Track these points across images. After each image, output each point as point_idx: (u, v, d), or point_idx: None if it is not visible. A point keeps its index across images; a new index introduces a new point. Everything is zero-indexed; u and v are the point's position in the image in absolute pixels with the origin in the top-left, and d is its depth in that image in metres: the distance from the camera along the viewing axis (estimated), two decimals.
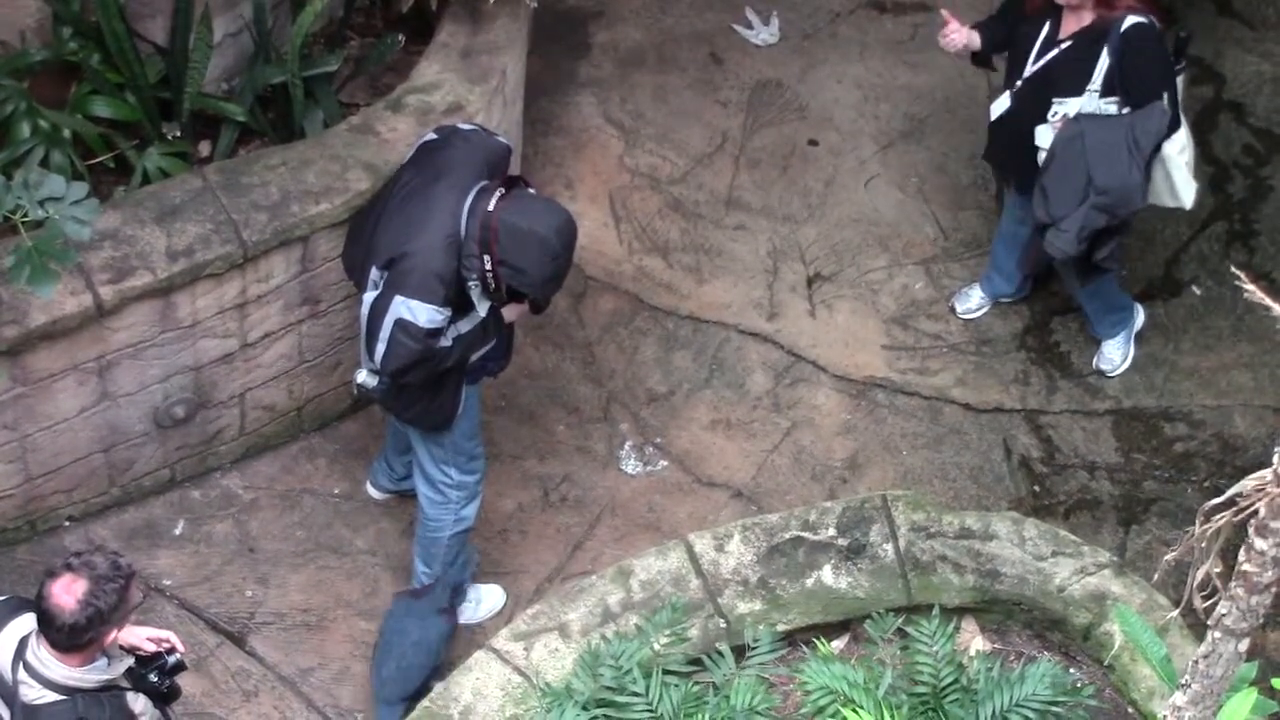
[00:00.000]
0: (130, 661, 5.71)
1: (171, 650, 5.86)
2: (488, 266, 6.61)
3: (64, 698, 5.47)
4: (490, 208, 6.60)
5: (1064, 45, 7.73)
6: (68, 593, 5.37)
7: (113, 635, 5.49)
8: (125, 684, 5.67)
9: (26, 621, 5.58)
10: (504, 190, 6.67)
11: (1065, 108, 7.71)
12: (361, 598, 7.63)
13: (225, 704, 7.27)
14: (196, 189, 7.30)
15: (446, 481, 7.19)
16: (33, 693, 5.48)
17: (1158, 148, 7.68)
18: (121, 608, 5.47)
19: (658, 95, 9.37)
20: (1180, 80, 7.83)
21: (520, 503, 7.97)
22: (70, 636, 5.39)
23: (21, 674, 5.49)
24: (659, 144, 9.17)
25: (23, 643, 5.53)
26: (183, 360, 7.37)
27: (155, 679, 5.79)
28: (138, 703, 5.68)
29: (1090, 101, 7.67)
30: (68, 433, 7.29)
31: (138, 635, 5.81)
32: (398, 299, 6.56)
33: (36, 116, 7.29)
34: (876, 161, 9.22)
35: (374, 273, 6.67)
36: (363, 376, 6.88)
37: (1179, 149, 7.77)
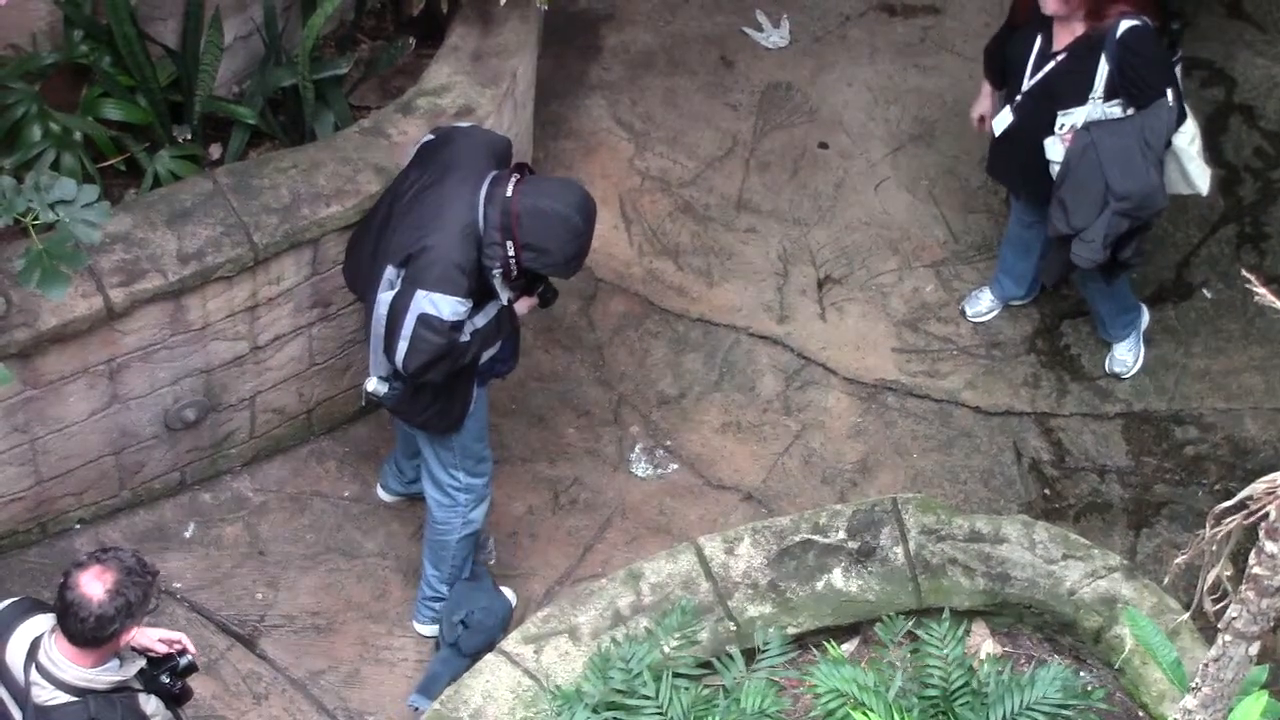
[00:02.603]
0: (142, 663, 5.72)
1: (183, 652, 5.86)
2: (510, 252, 6.61)
3: (76, 699, 5.48)
4: (509, 193, 6.61)
5: (1060, 57, 7.72)
6: (98, 580, 5.36)
7: (130, 634, 5.50)
8: (137, 685, 5.68)
9: (39, 623, 5.59)
10: (518, 176, 6.70)
11: (1072, 119, 7.69)
12: (371, 600, 7.64)
13: (236, 706, 7.28)
14: (207, 192, 7.31)
15: (455, 485, 7.20)
16: (45, 693, 5.48)
17: (1168, 143, 7.68)
18: (145, 605, 5.48)
19: (668, 98, 9.37)
20: (1177, 70, 7.84)
21: (530, 505, 7.97)
22: (96, 627, 5.38)
23: (34, 675, 5.49)
24: (669, 147, 9.17)
25: (35, 644, 5.53)
26: (193, 363, 7.38)
27: (167, 680, 5.80)
28: (149, 704, 5.69)
29: (1095, 109, 7.66)
30: (78, 435, 7.30)
31: (149, 637, 5.81)
32: (420, 293, 6.55)
33: (47, 119, 7.30)
34: (887, 164, 9.22)
35: (389, 272, 6.65)
36: (373, 385, 6.87)
37: (1189, 139, 7.77)
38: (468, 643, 7.19)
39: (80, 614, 5.36)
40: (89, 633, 5.40)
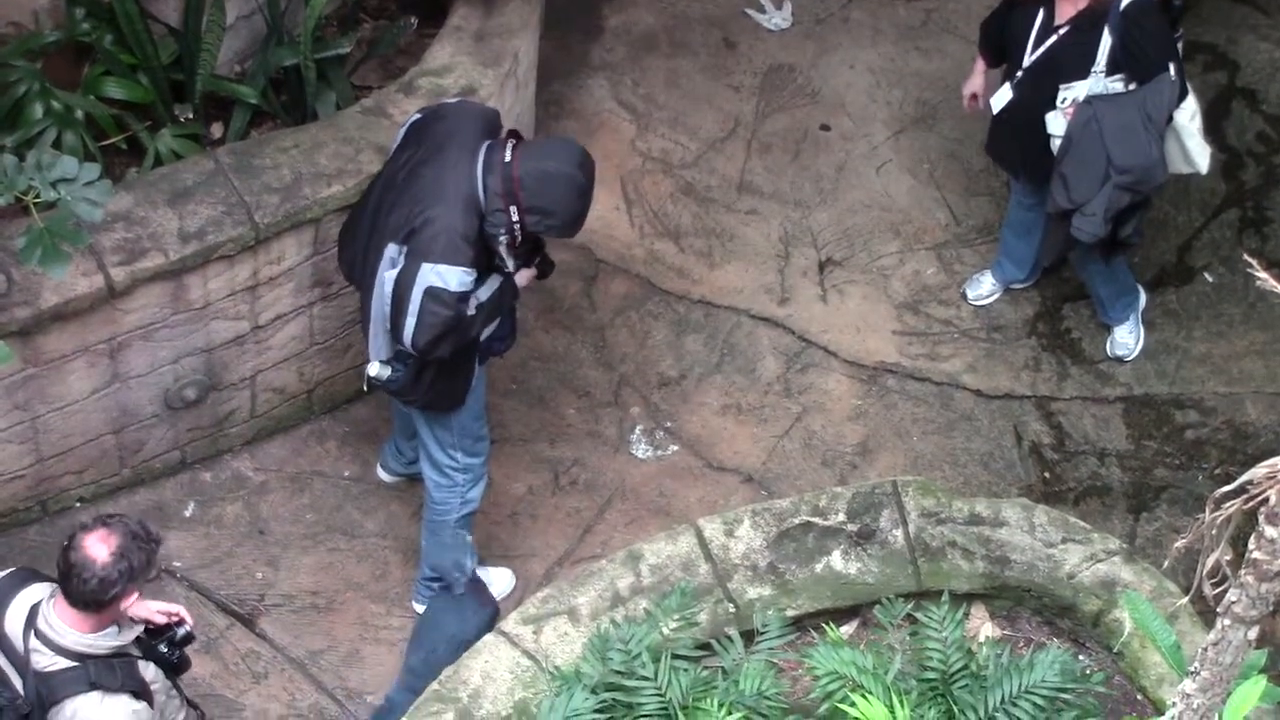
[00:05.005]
0: (140, 630, 5.75)
1: (181, 623, 5.91)
2: (514, 218, 6.61)
3: (76, 664, 5.50)
4: (508, 159, 6.61)
5: (1063, 31, 7.72)
6: (103, 543, 5.39)
7: (130, 599, 5.51)
8: (136, 652, 5.71)
9: (37, 591, 5.62)
10: (514, 142, 6.69)
11: (1073, 92, 7.70)
12: (371, 580, 7.64)
13: (235, 686, 7.29)
14: (209, 171, 7.31)
15: (453, 465, 7.19)
16: (44, 659, 5.51)
17: (1169, 119, 7.68)
18: (147, 570, 5.51)
19: (670, 79, 9.36)
20: (1179, 46, 7.84)
21: (530, 486, 7.97)
22: (99, 589, 5.40)
23: (33, 641, 5.52)
24: (671, 128, 9.17)
25: (33, 611, 5.56)
26: (194, 342, 7.38)
27: (165, 650, 5.85)
28: (148, 671, 5.73)
29: (1097, 82, 7.66)
30: (79, 414, 7.30)
31: (148, 609, 5.86)
32: (425, 266, 6.53)
33: (49, 97, 7.30)
34: (888, 147, 9.21)
35: (391, 250, 6.64)
36: (375, 369, 6.86)
37: (1189, 116, 7.77)
38: (413, 684, 7.12)
39: (84, 575, 5.39)
40: (91, 594, 5.42)
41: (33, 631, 5.53)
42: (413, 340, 6.62)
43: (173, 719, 5.93)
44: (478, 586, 7.26)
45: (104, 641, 5.55)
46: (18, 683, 5.58)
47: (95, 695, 5.52)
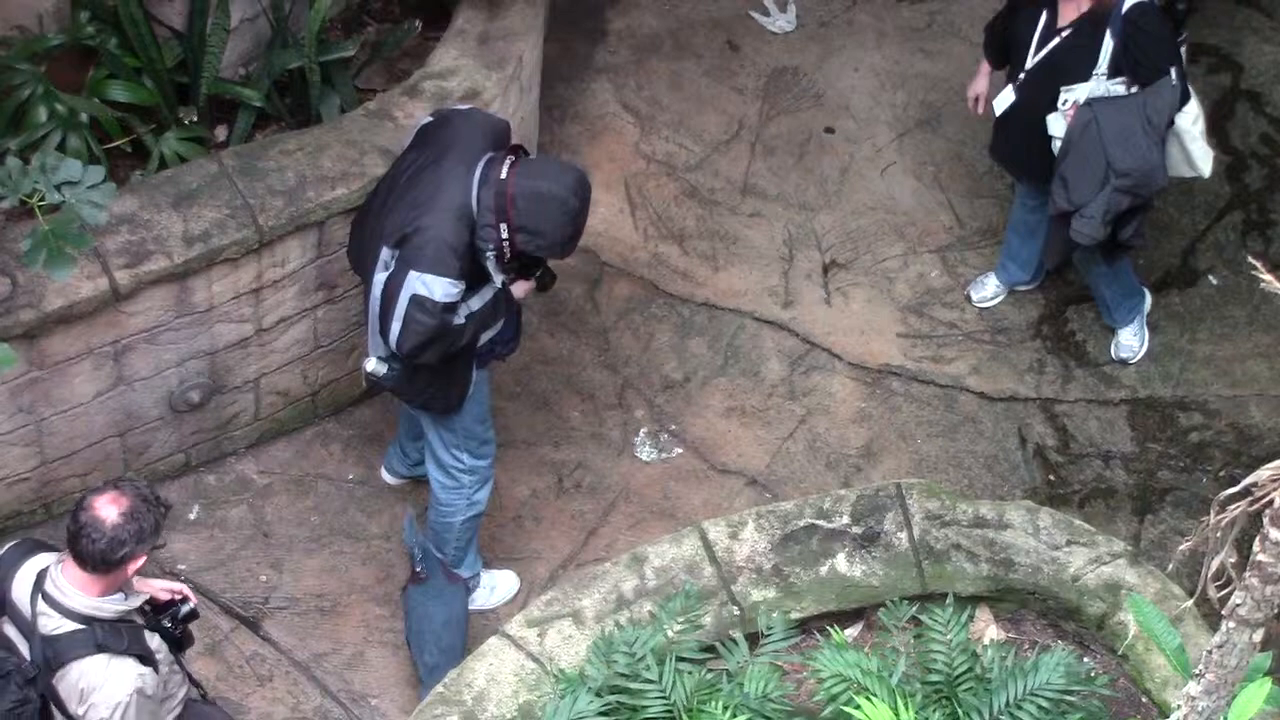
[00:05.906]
0: (145, 597, 5.78)
1: (185, 599, 5.95)
2: (504, 235, 6.60)
3: (83, 626, 5.53)
4: (503, 175, 6.60)
5: (1065, 33, 7.72)
6: (113, 504, 5.46)
7: (138, 562, 5.54)
8: (140, 620, 5.73)
9: (43, 559, 5.68)
10: (513, 158, 6.68)
11: (1075, 94, 7.70)
12: (375, 583, 7.64)
13: (239, 688, 7.28)
14: (213, 174, 7.31)
15: (458, 466, 7.20)
16: (51, 623, 5.54)
17: (1171, 122, 7.68)
18: (155, 534, 5.56)
19: (674, 82, 9.36)
20: (1182, 50, 7.84)
21: (534, 489, 7.97)
22: (108, 549, 5.45)
23: (41, 605, 5.56)
24: (675, 131, 9.17)
25: (40, 576, 5.60)
26: (198, 345, 7.38)
27: (169, 624, 5.88)
28: (153, 640, 5.77)
29: (1099, 85, 7.67)
30: (83, 417, 7.31)
31: (152, 586, 5.92)
32: (412, 275, 6.54)
33: (54, 100, 7.30)
34: (893, 149, 9.21)
35: (384, 253, 6.65)
36: (372, 365, 6.87)
37: (1192, 119, 7.77)
38: (441, 678, 7.10)
39: (93, 535, 5.44)
40: (100, 554, 5.46)
41: (40, 595, 5.57)
42: (398, 345, 6.64)
43: (175, 692, 5.98)
44: (433, 568, 7.28)
45: (111, 605, 5.60)
46: (25, 649, 5.62)
47: (102, 658, 5.56)
